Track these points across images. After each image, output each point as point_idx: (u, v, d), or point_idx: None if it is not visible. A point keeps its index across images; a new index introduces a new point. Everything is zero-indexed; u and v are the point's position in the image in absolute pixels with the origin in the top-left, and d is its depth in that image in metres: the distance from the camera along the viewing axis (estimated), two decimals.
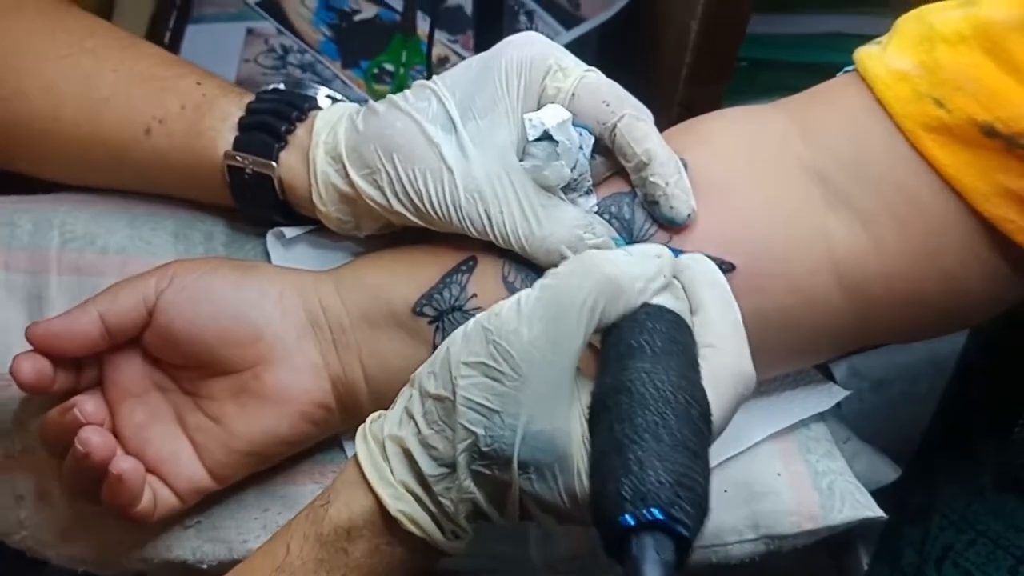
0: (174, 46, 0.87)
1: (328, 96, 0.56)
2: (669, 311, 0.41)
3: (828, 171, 0.48)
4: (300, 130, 0.53)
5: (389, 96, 0.51)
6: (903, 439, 0.73)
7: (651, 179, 0.47)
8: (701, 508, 0.35)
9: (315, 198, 0.52)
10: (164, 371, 0.51)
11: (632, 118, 0.48)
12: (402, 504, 0.42)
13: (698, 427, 0.37)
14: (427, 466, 0.42)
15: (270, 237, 0.57)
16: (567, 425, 0.39)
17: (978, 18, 0.45)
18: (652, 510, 0.34)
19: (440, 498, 0.42)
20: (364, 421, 0.45)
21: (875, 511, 0.54)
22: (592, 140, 0.48)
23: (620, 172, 0.50)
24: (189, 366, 0.51)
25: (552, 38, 0.50)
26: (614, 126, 0.48)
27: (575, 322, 0.40)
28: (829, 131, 0.48)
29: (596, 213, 0.49)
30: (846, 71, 0.50)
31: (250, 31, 0.91)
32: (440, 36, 0.89)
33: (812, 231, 0.47)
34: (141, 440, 0.50)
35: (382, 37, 0.90)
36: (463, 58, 0.89)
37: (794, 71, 0.91)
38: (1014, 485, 0.62)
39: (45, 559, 0.54)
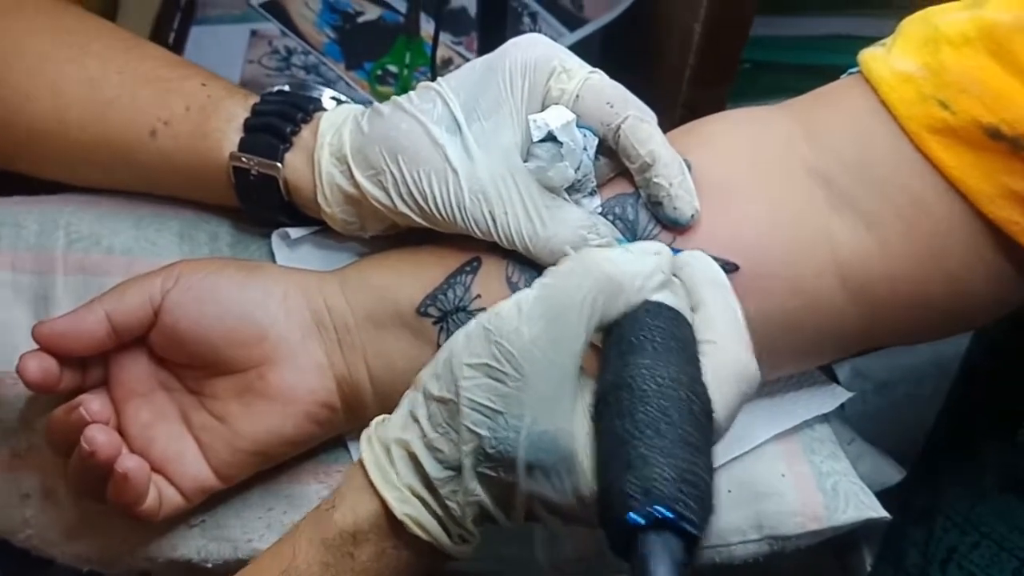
0: (178, 47, 0.87)
1: (333, 98, 0.56)
2: (669, 308, 0.41)
3: (832, 173, 0.48)
4: (305, 132, 0.53)
5: (394, 98, 0.51)
6: (907, 440, 0.73)
7: (655, 180, 0.47)
8: (705, 504, 0.35)
9: (320, 199, 0.52)
10: (169, 370, 0.51)
11: (636, 119, 0.48)
12: (408, 508, 0.42)
13: (699, 422, 0.37)
14: (432, 469, 0.42)
15: (275, 238, 0.57)
16: (571, 425, 0.39)
17: (983, 20, 0.45)
18: (659, 508, 0.34)
19: (446, 501, 0.42)
20: (369, 421, 0.45)
21: (879, 512, 0.54)
22: (596, 141, 0.48)
23: (624, 173, 0.50)
24: (194, 365, 0.51)
25: (555, 40, 0.50)
26: (618, 127, 0.48)
27: (575, 320, 0.40)
28: (833, 133, 0.48)
29: (600, 214, 0.49)
30: (850, 73, 0.50)
31: (254, 33, 0.91)
32: (444, 38, 0.90)
33: (816, 233, 0.47)
34: (146, 439, 0.50)
35: (386, 39, 0.90)
36: (467, 59, 0.89)
37: (797, 73, 0.91)
38: (1018, 487, 0.62)
39: (50, 557, 0.54)
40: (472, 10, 0.93)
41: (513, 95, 0.48)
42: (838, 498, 0.54)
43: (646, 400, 0.37)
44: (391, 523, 0.42)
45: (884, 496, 0.56)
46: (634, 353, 0.39)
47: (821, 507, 0.54)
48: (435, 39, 0.78)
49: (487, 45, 0.78)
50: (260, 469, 0.52)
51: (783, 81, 0.89)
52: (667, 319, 0.40)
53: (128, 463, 0.46)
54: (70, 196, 0.59)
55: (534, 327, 0.39)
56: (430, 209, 0.49)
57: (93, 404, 0.48)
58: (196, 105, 0.54)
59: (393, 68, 0.89)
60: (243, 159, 0.53)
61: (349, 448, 0.55)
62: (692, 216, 0.47)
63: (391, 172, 0.49)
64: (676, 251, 0.45)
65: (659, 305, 0.41)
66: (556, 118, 0.47)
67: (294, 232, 0.56)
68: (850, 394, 0.57)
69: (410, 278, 0.51)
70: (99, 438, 0.46)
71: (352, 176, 0.50)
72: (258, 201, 0.55)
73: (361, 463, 0.43)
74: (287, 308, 0.51)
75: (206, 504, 0.52)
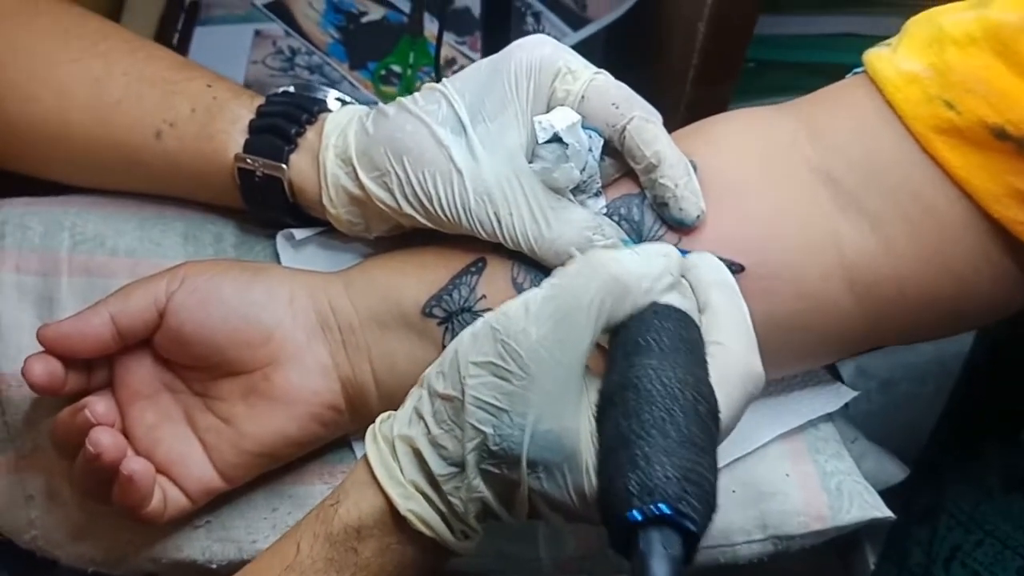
0: (182, 48, 0.87)
1: (338, 98, 0.56)
2: (677, 309, 0.41)
3: (837, 173, 0.48)
4: (310, 133, 0.53)
5: (399, 99, 0.51)
6: (911, 439, 0.73)
7: (661, 181, 0.47)
8: (708, 503, 0.35)
9: (325, 200, 0.52)
10: (174, 372, 0.51)
11: (641, 120, 0.48)
12: (412, 504, 0.42)
13: (705, 423, 0.37)
14: (437, 465, 0.42)
15: (280, 238, 0.57)
16: (575, 424, 0.39)
17: (989, 20, 0.45)
18: (659, 505, 0.34)
19: (450, 497, 0.42)
20: (373, 422, 0.45)
21: (883, 511, 0.54)
22: (601, 142, 0.48)
23: (629, 174, 0.50)
24: (199, 367, 0.51)
25: (559, 39, 0.50)
26: (623, 128, 0.48)
27: (582, 321, 0.40)
28: (838, 133, 0.48)
29: (605, 215, 0.49)
30: (855, 73, 0.50)
31: (258, 33, 0.91)
32: (447, 37, 0.89)
33: (822, 234, 0.47)
34: (151, 441, 0.50)
35: (389, 39, 0.90)
36: (470, 59, 0.89)
37: (801, 72, 0.91)
38: (1021, 486, 0.62)
39: (55, 559, 0.54)
40: (476, 10, 0.93)
41: (518, 96, 0.48)
42: (842, 498, 0.54)
43: (652, 401, 0.37)
44: (395, 519, 0.42)
45: (887, 495, 0.56)
46: (640, 354, 0.39)
47: (825, 507, 0.54)
48: (439, 39, 0.78)
49: (491, 45, 0.78)
50: (265, 470, 0.52)
51: (787, 80, 0.90)
52: (675, 321, 0.40)
53: (133, 465, 0.46)
54: (75, 197, 0.59)
55: (541, 327, 0.39)
56: (435, 210, 0.49)
57: (98, 406, 0.48)
58: (201, 107, 0.54)
59: (397, 68, 0.89)
60: (248, 161, 0.53)
61: (354, 449, 0.55)
62: (698, 217, 0.47)
63: (396, 173, 0.49)
64: (683, 252, 0.45)
65: (667, 307, 0.41)
66: (561, 119, 0.47)
67: (299, 233, 0.56)
68: (854, 393, 0.57)
69: (415, 279, 0.51)
70: (104, 440, 0.46)
71: (357, 177, 0.50)
72: (263, 202, 0.55)
73: (365, 459, 0.44)
74: (292, 309, 0.51)
75: (211, 505, 0.52)
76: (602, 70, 0.50)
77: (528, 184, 0.47)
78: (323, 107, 0.55)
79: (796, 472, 0.55)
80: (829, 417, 0.57)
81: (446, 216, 0.49)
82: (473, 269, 0.50)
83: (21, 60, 0.55)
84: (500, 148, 0.48)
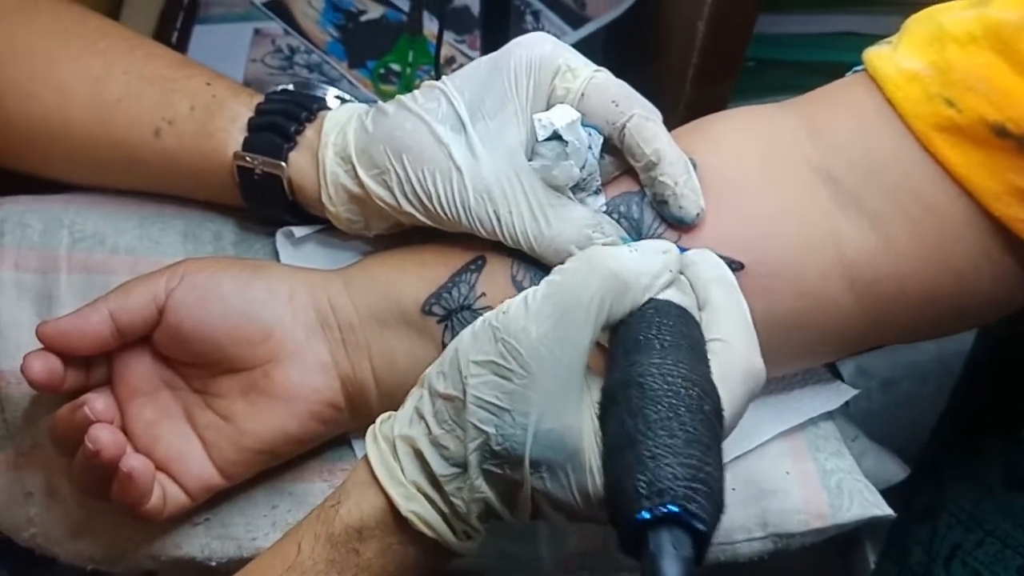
0: (181, 46, 0.87)
1: (337, 97, 0.56)
2: (676, 306, 0.41)
3: (837, 171, 0.48)
4: (309, 131, 0.53)
5: (398, 97, 0.51)
6: (911, 438, 0.73)
7: (660, 179, 0.47)
8: (717, 502, 0.35)
9: (324, 198, 0.52)
10: (174, 369, 0.51)
11: (641, 118, 0.48)
12: (413, 504, 0.42)
13: (710, 421, 0.37)
14: (438, 466, 0.42)
15: (279, 236, 0.57)
16: (578, 422, 0.39)
17: (989, 18, 0.45)
18: (668, 505, 0.34)
19: (451, 498, 0.42)
20: (373, 420, 0.45)
21: (884, 509, 0.54)
22: (601, 140, 0.48)
23: (629, 171, 0.50)
24: (199, 364, 0.51)
25: (558, 38, 0.50)
26: (623, 126, 0.48)
27: (582, 319, 0.40)
28: (838, 131, 0.48)
29: (605, 212, 0.49)
30: (855, 71, 0.50)
31: (257, 31, 0.91)
32: (447, 36, 0.89)
33: (822, 232, 0.47)
34: (151, 438, 0.50)
35: (389, 37, 0.90)
36: (470, 58, 0.89)
37: (801, 70, 0.91)
38: (1022, 484, 0.62)
39: (54, 556, 0.54)
40: (475, 8, 0.93)
41: (518, 94, 0.48)
42: (842, 496, 0.54)
43: (656, 399, 0.37)
44: (396, 519, 0.42)
45: (888, 493, 0.56)
46: (642, 351, 0.39)
47: (826, 505, 0.54)
48: (439, 37, 0.78)
49: (490, 43, 0.78)
50: (264, 467, 0.52)
51: (787, 79, 0.89)
52: (675, 317, 0.40)
53: (132, 462, 0.46)
54: (74, 195, 0.59)
55: (542, 325, 0.39)
56: (434, 208, 0.49)
57: (97, 403, 0.48)
58: (200, 105, 0.54)
59: (396, 67, 0.89)
60: (247, 158, 0.53)
61: (354, 446, 0.55)
62: (697, 215, 0.47)
63: (395, 171, 0.49)
64: (682, 249, 0.45)
65: (667, 303, 0.41)
66: (561, 117, 0.47)
67: (298, 231, 0.56)
68: (855, 391, 0.57)
69: (414, 277, 0.51)
70: (103, 437, 0.46)
71: (356, 175, 0.50)
72: (262, 200, 0.55)
73: (366, 459, 0.43)
74: (292, 307, 0.51)
75: (210, 502, 0.52)
76: (602, 68, 0.50)
77: (528, 182, 0.47)
78: (322, 105, 0.55)
79: (796, 470, 0.55)
80: (830, 415, 0.57)
81: (446, 214, 0.49)
82: (473, 267, 0.50)
83: (21, 58, 0.55)
84: (500, 146, 0.48)
